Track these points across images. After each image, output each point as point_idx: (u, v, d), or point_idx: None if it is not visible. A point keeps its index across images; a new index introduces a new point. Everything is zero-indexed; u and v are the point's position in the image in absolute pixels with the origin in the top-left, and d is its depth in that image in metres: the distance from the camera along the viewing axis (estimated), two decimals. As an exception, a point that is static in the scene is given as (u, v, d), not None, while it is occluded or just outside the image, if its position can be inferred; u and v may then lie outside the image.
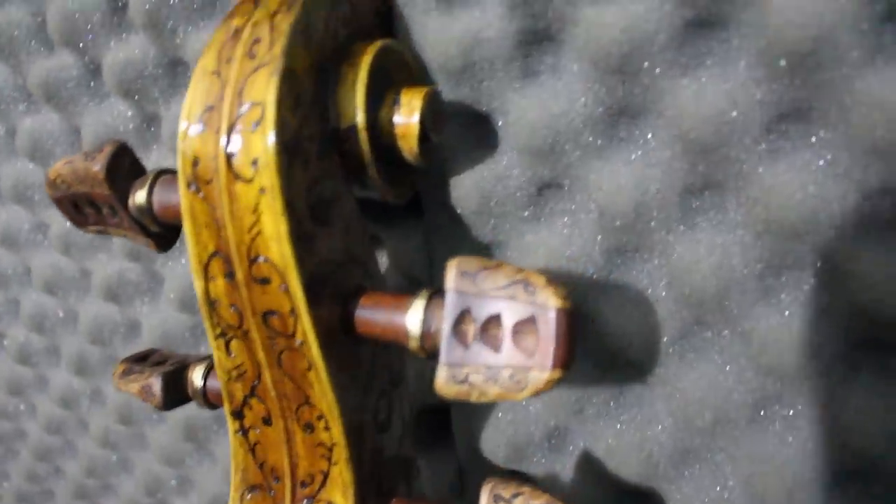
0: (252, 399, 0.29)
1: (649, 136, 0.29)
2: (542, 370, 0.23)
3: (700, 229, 0.29)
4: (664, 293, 0.31)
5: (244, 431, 0.30)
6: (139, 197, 0.28)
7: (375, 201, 0.35)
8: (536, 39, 0.29)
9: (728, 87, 0.27)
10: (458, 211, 0.32)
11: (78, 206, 0.30)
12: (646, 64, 0.28)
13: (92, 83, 0.39)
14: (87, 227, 0.31)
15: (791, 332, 0.29)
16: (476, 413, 0.36)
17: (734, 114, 0.27)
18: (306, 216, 0.25)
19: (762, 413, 0.31)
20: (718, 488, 0.33)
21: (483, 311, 0.24)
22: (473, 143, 0.31)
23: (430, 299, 0.26)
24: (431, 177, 0.32)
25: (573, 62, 0.29)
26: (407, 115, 0.28)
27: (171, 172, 0.28)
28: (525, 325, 0.24)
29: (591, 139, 0.29)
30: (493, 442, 0.35)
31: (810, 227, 0.27)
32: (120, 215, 0.29)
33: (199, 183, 0.25)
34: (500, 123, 0.31)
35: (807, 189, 0.27)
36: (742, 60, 0.27)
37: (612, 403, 0.33)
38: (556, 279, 0.27)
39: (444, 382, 0.24)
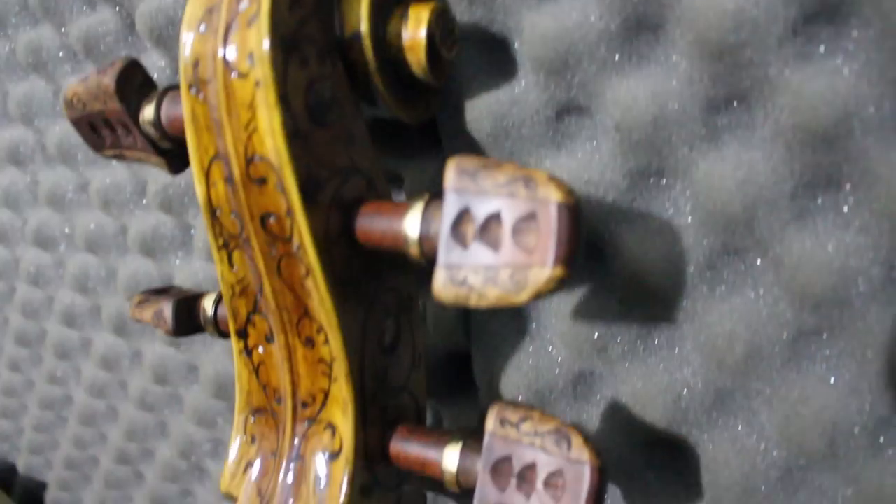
0: (255, 316, 0.28)
1: (667, 46, 0.28)
2: (542, 267, 0.22)
3: (725, 145, 0.28)
4: (690, 219, 0.29)
5: (248, 351, 0.29)
6: (147, 112, 0.28)
7: (393, 137, 0.34)
8: (550, -49, 0.28)
9: (750, -16, 0.26)
10: (475, 136, 0.31)
11: (94, 128, 0.30)
12: (662, -34, 0.26)
13: (129, 37, 0.41)
14: (105, 151, 0.31)
15: (828, 257, 0.27)
16: (498, 358, 0.34)
17: (755, 11, 0.25)
18: (302, 113, 0.25)
19: (800, 350, 0.29)
20: (754, 437, 0.30)
21: (482, 209, 0.23)
22: (488, 65, 0.30)
23: (428, 203, 0.25)
24: (447, 101, 0.31)
25: (587, -29, 0.28)
26: (414, 28, 0.27)
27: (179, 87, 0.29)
28: (526, 223, 0.22)
29: (607, 54, 0.28)
30: (516, 388, 0.34)
31: (842, 131, 0.25)
32: (133, 134, 0.29)
33: (199, 84, 0.25)
34: (515, 45, 0.30)
35: (838, 91, 0.25)
36: (765, -45, 0.25)
37: (638, 343, 0.31)
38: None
39: (441, 286, 0.23)
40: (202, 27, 0.25)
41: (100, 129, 0.30)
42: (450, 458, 0.27)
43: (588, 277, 0.31)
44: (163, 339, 0.46)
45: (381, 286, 0.28)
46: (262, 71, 0.23)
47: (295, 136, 0.24)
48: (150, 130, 0.29)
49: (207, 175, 0.26)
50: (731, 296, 0.29)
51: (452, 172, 0.23)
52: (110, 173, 0.44)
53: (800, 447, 0.29)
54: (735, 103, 0.27)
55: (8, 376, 0.60)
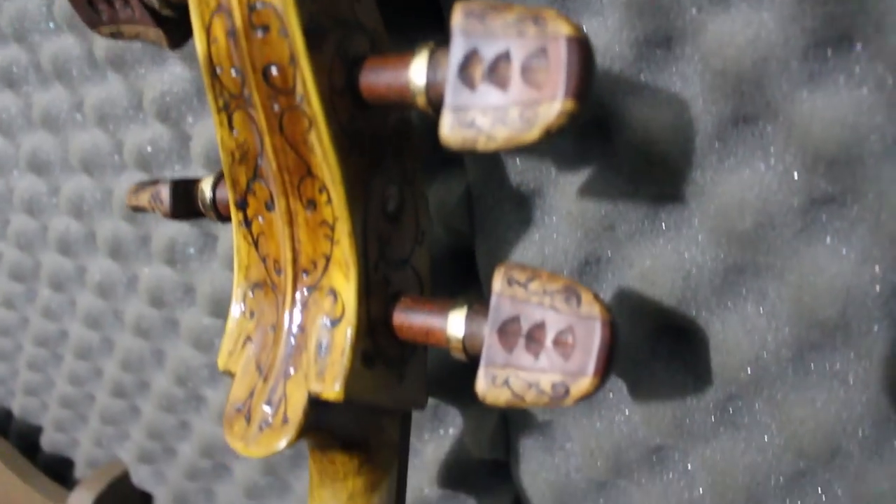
0: (255, 183, 0.28)
1: None
2: (552, 101, 0.21)
3: (734, 5, 0.27)
4: (699, 88, 0.28)
5: (247, 223, 0.28)
6: (146, -28, 0.28)
7: (395, 18, 0.33)
8: None
9: None
10: None
11: (92, 2, 0.30)
12: None
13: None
14: (101, 28, 0.30)
15: (840, 115, 0.26)
16: (502, 248, 0.34)
17: None
18: None
19: (811, 219, 0.28)
20: (765, 316, 0.30)
21: (491, 49, 0.22)
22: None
23: (434, 50, 0.24)
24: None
25: None
26: None
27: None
28: (536, 60, 0.22)
29: (615, -85, 0.28)
30: (519, 280, 0.33)
31: (858, -25, 0.25)
32: (131, 5, 0.29)
33: (198, -72, 0.24)
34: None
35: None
36: None
37: (645, 221, 0.31)
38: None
39: (449, 129, 0.23)
40: None
41: (96, 3, 0.29)
42: (455, 323, 0.26)
43: (594, 154, 0.31)
44: (159, 258, 0.45)
45: (386, 150, 0.28)
46: None
47: (297, -24, 0.23)
48: (148, -5, 0.28)
49: (208, 31, 0.25)
50: (741, 166, 0.29)
51: (459, 14, 0.23)
52: (105, 88, 0.43)
53: (811, 320, 0.29)
54: (745, -40, 0.27)
55: (2, 314, 0.59)
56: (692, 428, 0.33)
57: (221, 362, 0.29)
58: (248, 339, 0.29)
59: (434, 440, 0.40)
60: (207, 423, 0.50)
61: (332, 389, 0.26)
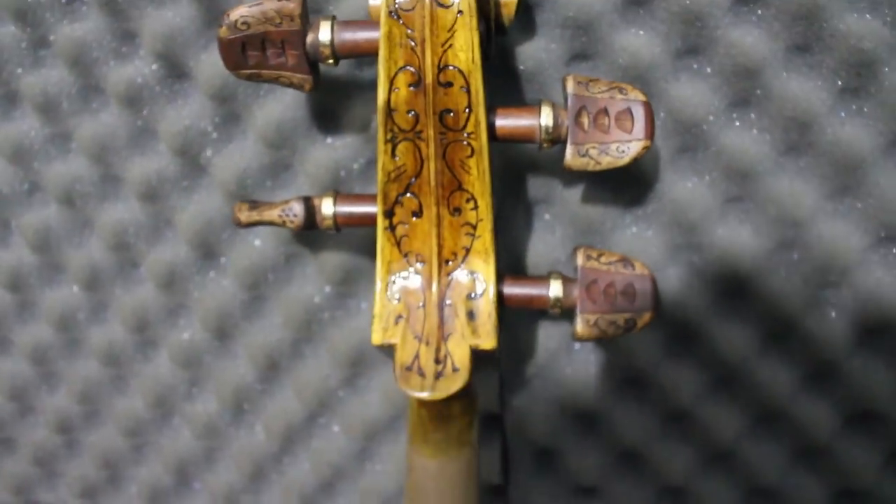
0: (405, 196, 0.37)
1: None
2: (639, 141, 0.35)
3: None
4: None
5: (392, 228, 0.37)
6: (323, 34, 0.35)
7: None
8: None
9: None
10: None
11: (245, 49, 0.35)
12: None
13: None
14: (241, 71, 0.36)
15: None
16: (516, 249, 0.46)
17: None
18: (485, 37, 0.34)
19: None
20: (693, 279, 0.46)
21: (594, 107, 0.36)
22: None
23: (553, 106, 0.36)
24: None
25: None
26: None
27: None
28: (623, 115, 0.36)
29: None
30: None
31: None
32: (287, 55, 0.36)
33: (400, 11, 0.33)
34: None
35: None
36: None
37: (621, 219, 0.45)
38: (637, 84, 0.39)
39: (571, 157, 0.35)
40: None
41: (248, 51, 0.36)
42: (555, 288, 0.38)
43: (584, 176, 0.44)
44: (148, 277, 0.47)
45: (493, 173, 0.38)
46: (466, 3, 0.33)
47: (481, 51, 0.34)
48: (321, 50, 0.35)
49: (392, 82, 0.34)
50: (684, 180, 0.45)
51: (571, 82, 0.36)
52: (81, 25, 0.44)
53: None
54: None
55: None
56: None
57: (377, 338, 0.37)
58: (400, 316, 0.37)
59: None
60: (180, 440, 0.52)
61: (488, 341, 0.36)
